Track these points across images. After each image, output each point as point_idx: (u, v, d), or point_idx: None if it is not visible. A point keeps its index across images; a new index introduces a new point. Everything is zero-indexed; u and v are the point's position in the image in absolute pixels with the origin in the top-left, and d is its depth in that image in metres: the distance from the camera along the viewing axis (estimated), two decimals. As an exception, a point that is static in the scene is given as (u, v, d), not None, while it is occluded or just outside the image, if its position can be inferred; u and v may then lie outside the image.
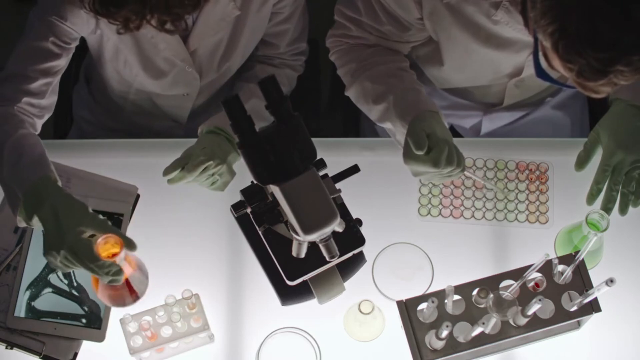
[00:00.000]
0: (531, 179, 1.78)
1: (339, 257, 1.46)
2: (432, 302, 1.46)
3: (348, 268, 1.60)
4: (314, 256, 1.48)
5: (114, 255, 1.47)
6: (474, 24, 1.62)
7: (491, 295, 1.48)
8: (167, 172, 1.62)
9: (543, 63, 1.37)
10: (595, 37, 1.23)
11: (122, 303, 1.58)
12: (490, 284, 1.53)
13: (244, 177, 1.51)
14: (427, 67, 1.86)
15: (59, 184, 1.54)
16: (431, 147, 1.53)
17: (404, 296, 1.53)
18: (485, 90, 1.88)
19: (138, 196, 1.77)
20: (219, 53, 1.78)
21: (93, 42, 1.76)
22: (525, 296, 1.51)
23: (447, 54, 1.75)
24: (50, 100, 1.68)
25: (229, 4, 1.66)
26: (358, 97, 1.74)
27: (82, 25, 1.65)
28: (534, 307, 1.42)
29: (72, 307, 1.66)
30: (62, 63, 1.67)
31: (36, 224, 1.51)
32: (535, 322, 1.51)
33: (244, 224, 1.61)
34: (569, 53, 1.26)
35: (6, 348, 1.64)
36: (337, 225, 1.39)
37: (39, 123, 1.69)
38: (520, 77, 1.77)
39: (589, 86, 1.30)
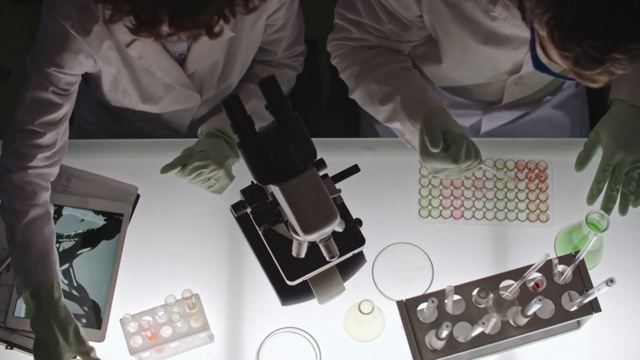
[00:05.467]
0: (530, 177, 1.78)
1: (339, 257, 1.46)
2: (432, 302, 1.46)
3: (348, 268, 1.60)
4: (314, 256, 1.48)
5: None
6: (472, 20, 1.62)
7: (491, 295, 1.48)
8: (164, 170, 1.63)
9: (542, 57, 1.37)
10: (591, 24, 1.23)
11: None
12: (490, 284, 1.52)
13: (244, 177, 1.51)
14: (426, 66, 1.86)
15: (58, 290, 1.58)
16: (449, 143, 1.54)
17: (404, 296, 1.53)
18: (484, 88, 1.88)
19: (138, 196, 1.77)
20: (217, 73, 1.77)
21: (92, 72, 1.76)
22: (525, 296, 1.51)
23: (445, 52, 1.75)
24: (62, 143, 1.68)
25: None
26: (364, 100, 1.74)
27: (80, 67, 1.64)
28: (534, 307, 1.42)
29: (72, 307, 1.66)
30: (67, 108, 1.67)
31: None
32: (535, 322, 1.51)
33: (244, 224, 1.61)
34: (565, 41, 1.26)
35: (6, 348, 1.64)
36: (337, 225, 1.39)
37: (55, 170, 1.68)
38: (520, 75, 1.77)
39: (586, 75, 1.30)
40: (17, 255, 1.60)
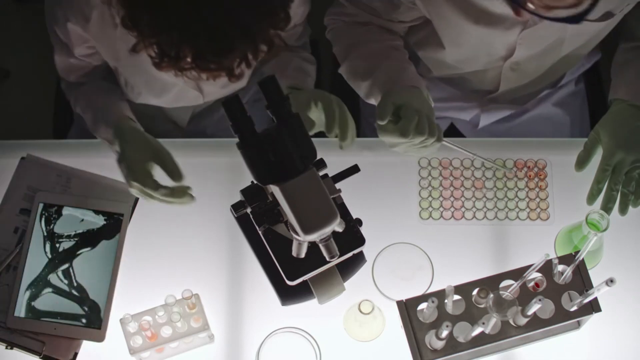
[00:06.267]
0: (530, 176, 1.78)
1: (339, 257, 1.46)
2: (432, 302, 1.46)
3: (348, 268, 1.60)
4: (314, 256, 1.48)
5: None
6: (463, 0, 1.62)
7: (491, 295, 1.48)
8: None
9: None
10: None
11: None
12: (490, 284, 1.53)
13: (244, 177, 1.51)
14: (424, 51, 1.86)
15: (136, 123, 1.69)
16: (401, 117, 1.55)
17: (404, 296, 1.53)
18: (481, 75, 1.86)
19: (138, 196, 1.77)
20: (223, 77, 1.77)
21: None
22: (525, 296, 1.51)
23: (441, 33, 1.74)
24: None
25: None
26: (349, 75, 1.76)
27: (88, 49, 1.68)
28: (534, 307, 1.42)
29: (72, 307, 1.66)
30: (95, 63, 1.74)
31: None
32: (535, 322, 1.51)
33: (244, 224, 1.61)
34: None
35: (6, 348, 1.64)
36: (337, 225, 1.39)
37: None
38: (515, 60, 1.76)
39: None
40: (90, 113, 1.71)
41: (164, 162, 1.58)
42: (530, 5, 1.36)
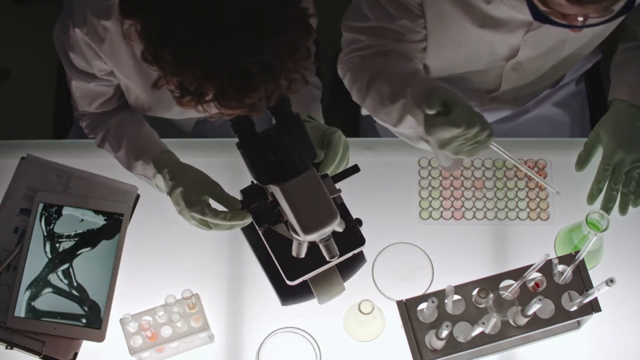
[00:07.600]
0: (530, 176, 1.78)
1: (339, 257, 1.46)
2: (432, 302, 1.46)
3: (348, 268, 1.60)
4: (314, 256, 1.48)
5: None
6: (468, 3, 1.60)
7: (491, 295, 1.48)
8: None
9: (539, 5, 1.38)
10: None
11: None
12: (490, 284, 1.53)
13: (244, 177, 1.52)
14: (428, 57, 1.84)
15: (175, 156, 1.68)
16: (450, 106, 1.48)
17: (404, 296, 1.53)
18: (483, 75, 1.85)
19: (138, 196, 1.77)
20: None
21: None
22: (525, 296, 1.51)
23: (442, 36, 1.70)
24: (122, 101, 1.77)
25: None
26: (375, 104, 1.68)
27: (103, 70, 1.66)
28: (534, 307, 1.42)
29: (72, 307, 1.66)
30: (113, 90, 1.72)
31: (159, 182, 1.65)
32: (535, 322, 1.51)
33: (244, 223, 1.61)
34: None
35: (6, 348, 1.64)
36: (337, 225, 1.39)
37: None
38: (518, 61, 1.75)
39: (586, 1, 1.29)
40: (122, 151, 1.70)
41: (216, 192, 1.54)
42: (579, 19, 1.35)
